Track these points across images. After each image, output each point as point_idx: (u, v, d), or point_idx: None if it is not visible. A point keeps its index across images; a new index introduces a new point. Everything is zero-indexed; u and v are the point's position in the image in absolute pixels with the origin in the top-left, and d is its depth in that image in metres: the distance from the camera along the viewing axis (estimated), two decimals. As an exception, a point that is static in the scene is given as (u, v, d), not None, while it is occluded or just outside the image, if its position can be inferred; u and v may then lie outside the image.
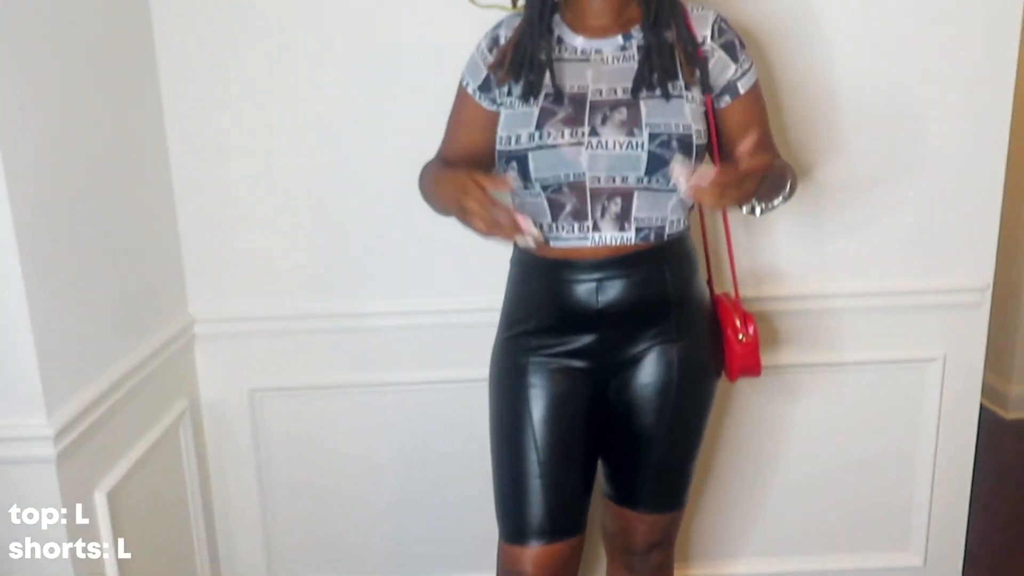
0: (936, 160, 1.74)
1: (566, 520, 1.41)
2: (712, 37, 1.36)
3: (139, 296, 1.59)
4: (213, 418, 1.83)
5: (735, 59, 1.37)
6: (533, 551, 1.38)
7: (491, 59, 1.40)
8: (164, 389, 1.66)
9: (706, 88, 1.36)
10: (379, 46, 1.67)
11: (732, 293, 1.55)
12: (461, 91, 1.46)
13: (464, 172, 1.25)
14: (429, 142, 1.65)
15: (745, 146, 1.17)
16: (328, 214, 1.74)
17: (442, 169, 1.42)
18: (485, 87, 1.42)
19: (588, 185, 1.32)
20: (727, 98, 1.39)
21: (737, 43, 1.38)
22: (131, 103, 1.58)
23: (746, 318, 1.47)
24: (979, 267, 1.81)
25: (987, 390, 1.92)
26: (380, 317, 1.78)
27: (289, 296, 1.78)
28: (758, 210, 1.41)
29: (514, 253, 1.48)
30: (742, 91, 1.39)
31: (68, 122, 1.35)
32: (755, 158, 1.17)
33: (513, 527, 1.41)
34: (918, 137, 1.74)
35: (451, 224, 1.67)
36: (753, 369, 1.49)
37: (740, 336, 1.45)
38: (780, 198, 1.42)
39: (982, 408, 1.95)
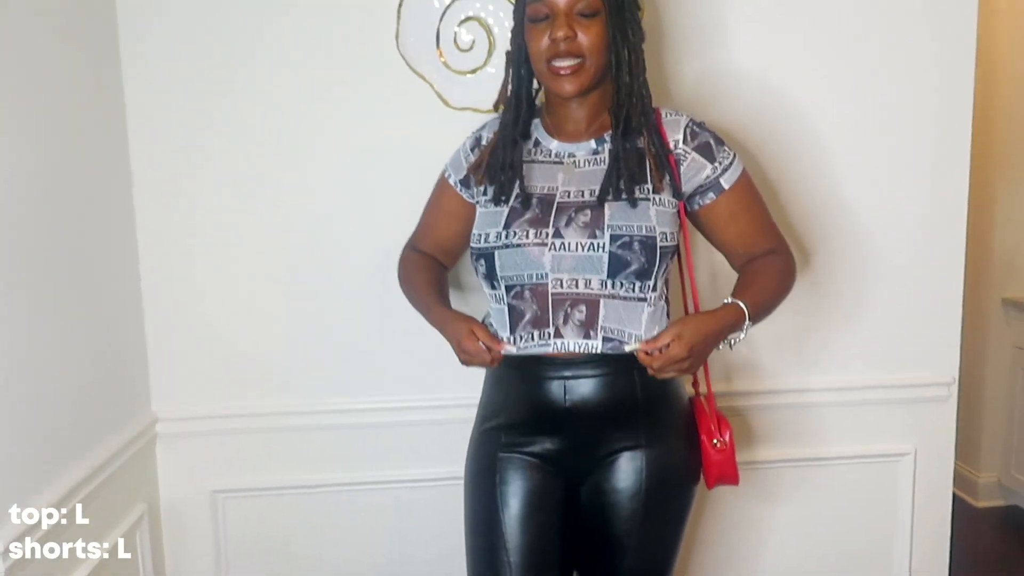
0: (900, 261, 1.79)
1: None
2: (684, 141, 1.38)
3: (101, 394, 1.54)
4: (172, 522, 1.76)
5: (711, 159, 1.38)
6: None
7: (472, 159, 1.44)
8: (123, 493, 1.59)
9: (676, 193, 1.37)
10: (354, 143, 1.69)
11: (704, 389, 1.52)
12: (442, 181, 1.50)
13: (463, 321, 1.35)
14: (400, 240, 1.66)
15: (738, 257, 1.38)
16: (295, 312, 1.73)
17: (426, 284, 1.48)
18: (466, 183, 1.46)
19: (550, 288, 1.32)
20: (711, 195, 1.39)
21: (713, 142, 1.39)
22: (100, 199, 1.56)
23: (721, 422, 1.44)
24: (944, 362, 1.84)
25: (957, 479, 1.92)
26: (347, 415, 1.75)
27: (254, 394, 1.74)
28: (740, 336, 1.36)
29: None
30: (727, 186, 1.40)
31: (33, 215, 1.33)
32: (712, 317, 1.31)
33: None
34: (883, 240, 1.78)
35: (420, 323, 1.67)
36: (730, 477, 1.45)
37: (715, 441, 1.42)
38: (774, 310, 1.42)
39: (953, 497, 1.95)
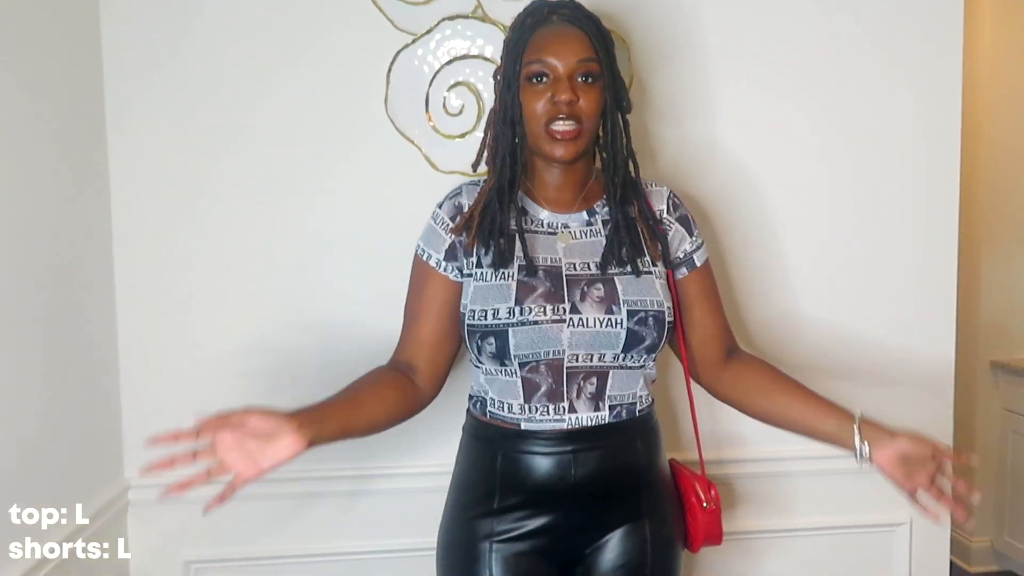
0: (890, 331, 1.78)
1: None
2: (668, 211, 1.39)
3: (72, 460, 1.48)
4: (143, 594, 1.69)
5: (690, 232, 1.39)
6: None
7: (453, 226, 1.35)
8: (89, 567, 1.52)
9: (667, 263, 1.37)
10: (342, 206, 1.67)
11: (685, 459, 1.51)
12: (422, 266, 1.37)
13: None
14: (380, 303, 1.64)
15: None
16: (274, 376, 1.67)
17: (350, 387, 1.29)
18: (451, 256, 1.35)
19: (565, 364, 1.28)
20: (684, 270, 1.40)
21: (690, 217, 1.41)
22: (79, 263, 1.53)
23: (708, 485, 1.42)
24: (937, 431, 1.79)
25: (951, 544, 1.90)
26: (325, 483, 1.69)
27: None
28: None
29: (467, 421, 1.41)
30: (698, 263, 1.40)
31: (6, 277, 1.30)
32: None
33: None
34: (870, 297, 1.78)
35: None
36: (715, 537, 1.42)
37: (705, 504, 1.39)
38: None
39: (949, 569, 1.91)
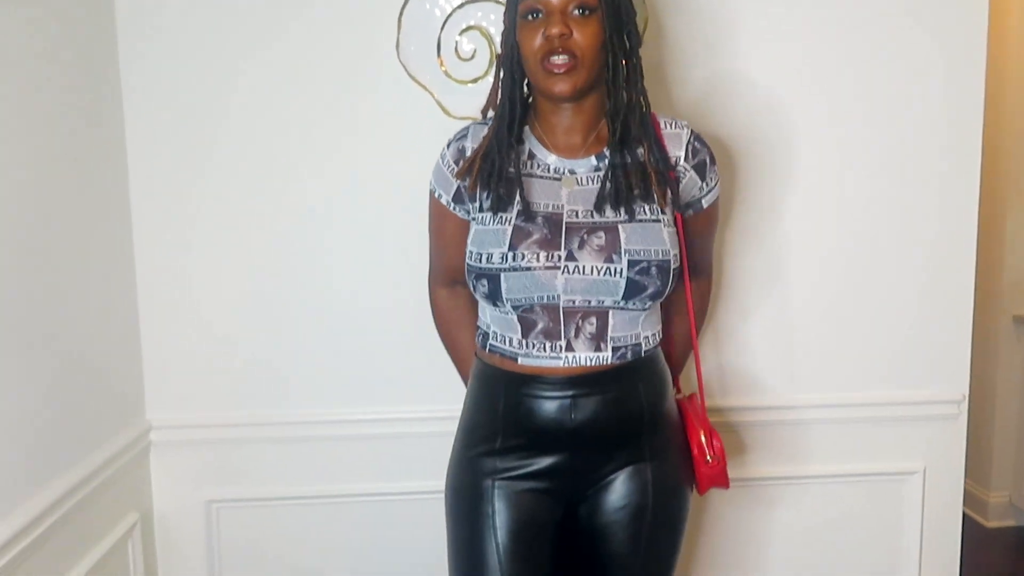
0: (910, 278, 1.77)
1: None
2: (686, 158, 1.35)
3: (95, 401, 1.52)
4: (165, 531, 1.74)
5: (703, 177, 1.37)
6: None
7: (458, 170, 1.36)
8: (114, 501, 1.58)
9: (677, 207, 1.35)
10: (354, 152, 1.67)
11: (698, 398, 1.49)
12: (435, 203, 1.41)
13: None
14: (396, 251, 1.65)
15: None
16: (290, 324, 1.71)
17: (466, 343, 1.46)
18: (458, 199, 1.38)
19: (562, 306, 1.29)
20: (690, 211, 1.39)
21: (708, 161, 1.37)
22: (97, 206, 1.55)
23: (711, 434, 1.41)
24: (954, 379, 1.80)
25: (967, 498, 1.89)
26: (343, 425, 1.73)
27: (250, 404, 1.72)
28: None
29: (475, 366, 1.42)
30: (705, 206, 1.40)
31: (28, 218, 1.32)
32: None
33: None
34: (888, 246, 1.76)
35: (411, 334, 1.65)
36: (722, 484, 1.43)
37: (707, 458, 1.39)
38: None
39: (963, 517, 1.91)
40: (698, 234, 1.43)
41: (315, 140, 1.66)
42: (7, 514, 1.24)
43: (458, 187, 1.37)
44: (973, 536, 2.83)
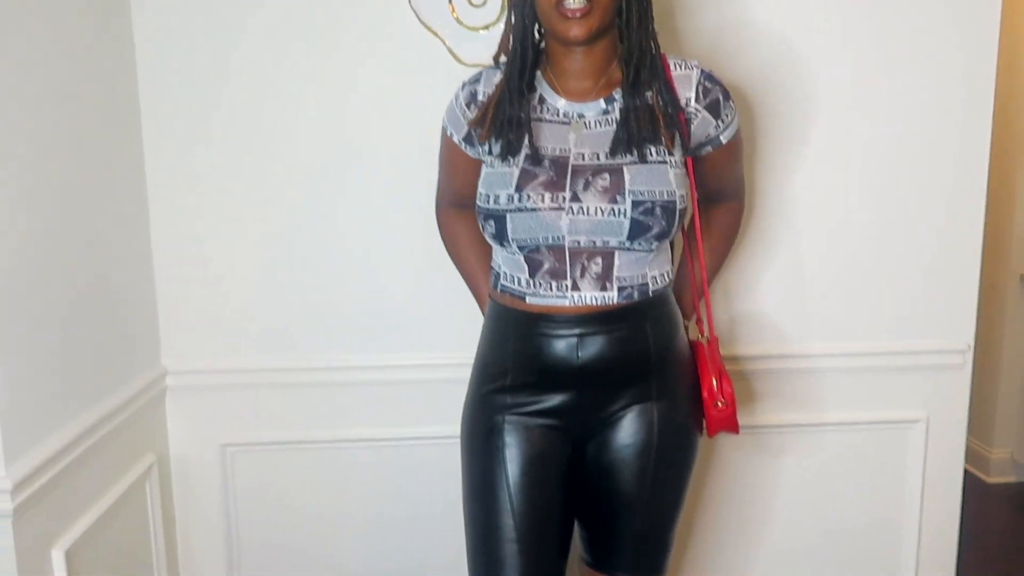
0: (917, 222, 1.77)
1: None
2: (696, 99, 1.35)
3: (111, 346, 1.55)
4: (181, 474, 1.78)
5: (717, 116, 1.36)
6: None
7: (471, 116, 1.38)
8: (132, 442, 1.61)
9: (686, 151, 1.36)
10: (365, 99, 1.67)
11: (716, 343, 1.50)
12: (447, 139, 1.45)
13: None
14: (406, 198, 1.66)
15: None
16: (305, 269, 1.72)
17: (481, 271, 1.50)
18: (469, 141, 1.41)
19: (567, 247, 1.30)
20: (708, 148, 1.39)
21: (721, 98, 1.37)
22: (111, 154, 1.56)
23: (722, 377, 1.43)
24: (960, 328, 1.81)
25: (969, 454, 1.91)
26: (356, 372, 1.75)
27: (264, 349, 1.75)
28: None
29: (489, 306, 1.45)
30: (724, 141, 1.39)
31: (44, 166, 1.33)
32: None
33: None
34: (900, 199, 1.76)
35: (425, 280, 1.67)
36: (731, 429, 1.46)
37: (718, 402, 1.41)
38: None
39: (964, 472, 1.93)
40: (722, 167, 1.43)
41: (327, 87, 1.66)
42: (28, 450, 1.27)
43: (469, 131, 1.39)
44: (974, 491, 2.86)
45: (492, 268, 1.44)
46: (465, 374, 1.47)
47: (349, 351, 1.75)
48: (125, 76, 1.61)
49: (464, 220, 1.51)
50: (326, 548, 1.84)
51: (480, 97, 1.38)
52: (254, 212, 1.70)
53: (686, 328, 1.48)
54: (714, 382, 1.43)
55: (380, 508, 1.83)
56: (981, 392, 2.90)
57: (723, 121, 1.38)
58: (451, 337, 1.69)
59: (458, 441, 1.46)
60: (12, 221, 1.24)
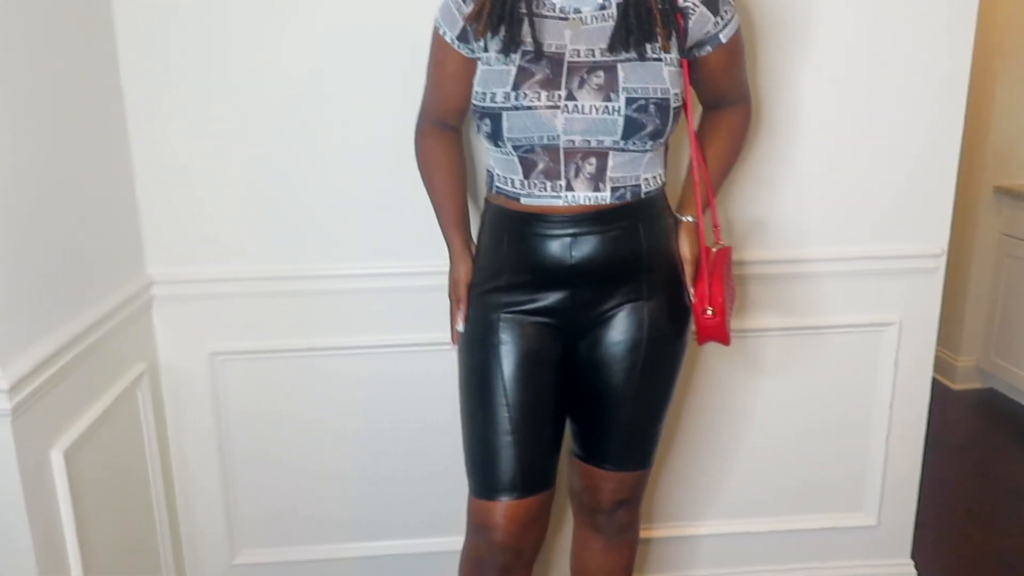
0: (893, 125, 1.78)
1: (536, 476, 1.41)
2: None
3: (96, 254, 1.54)
4: (172, 382, 1.80)
5: (716, 11, 1.35)
6: (503, 505, 1.38)
7: (467, 11, 1.35)
8: (122, 350, 1.62)
9: (683, 51, 1.35)
10: (343, 24, 1.64)
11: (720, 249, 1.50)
12: (439, 40, 1.41)
13: (464, 274, 1.46)
14: (393, 103, 1.64)
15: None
16: (289, 176, 1.71)
17: (449, 196, 1.49)
18: (463, 38, 1.38)
19: (562, 147, 1.31)
20: (708, 48, 1.38)
21: None
22: (87, 62, 1.52)
23: (715, 285, 1.42)
24: (934, 233, 1.85)
25: (937, 363, 1.98)
26: (344, 280, 1.76)
27: (250, 258, 1.75)
28: None
29: (485, 209, 1.47)
30: (723, 40, 1.39)
31: (23, 76, 1.30)
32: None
33: (484, 483, 1.41)
34: (876, 103, 1.76)
35: (417, 188, 1.66)
36: (721, 340, 1.46)
37: (707, 310, 1.41)
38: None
39: (932, 380, 2.00)
40: (723, 69, 1.42)
41: (306, -11, 1.62)
42: (22, 354, 1.28)
43: (464, 27, 1.37)
44: (940, 397, 2.98)
45: (487, 170, 1.44)
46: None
47: (337, 259, 1.76)
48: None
49: (443, 142, 1.50)
50: (317, 453, 1.88)
51: None
52: (238, 119, 1.67)
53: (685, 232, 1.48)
54: (705, 291, 1.43)
55: (370, 415, 1.86)
56: (951, 302, 2.99)
57: (722, 18, 1.36)
58: (441, 244, 1.69)
59: (446, 348, 1.49)
60: (-8, 125, 1.22)
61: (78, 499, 1.41)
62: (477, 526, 1.43)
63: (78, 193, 1.48)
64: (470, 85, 1.39)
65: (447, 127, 1.49)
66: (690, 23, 1.34)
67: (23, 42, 1.31)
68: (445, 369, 1.58)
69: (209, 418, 1.82)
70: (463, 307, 1.45)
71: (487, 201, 1.46)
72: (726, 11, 1.37)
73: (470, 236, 1.51)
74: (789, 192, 1.80)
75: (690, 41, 1.36)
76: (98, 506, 1.50)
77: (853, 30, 1.72)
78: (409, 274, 1.76)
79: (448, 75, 1.42)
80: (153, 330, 1.76)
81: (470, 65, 1.39)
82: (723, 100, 1.50)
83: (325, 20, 1.64)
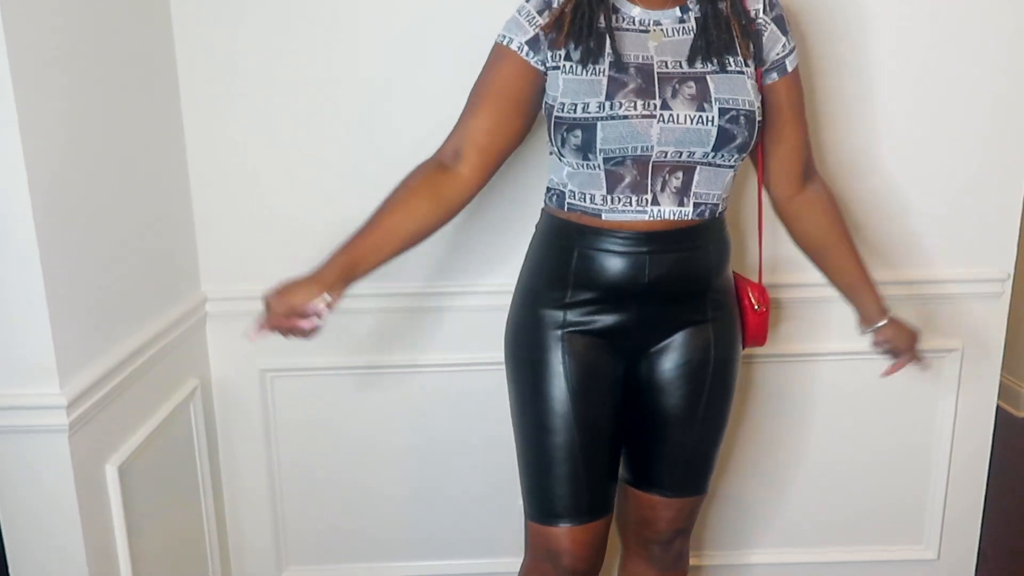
0: (959, 148, 1.73)
1: (602, 499, 1.39)
2: (764, 11, 1.34)
3: (153, 272, 1.57)
4: (223, 398, 1.82)
5: (785, 32, 1.35)
6: (572, 530, 1.36)
7: (542, 21, 1.30)
8: (175, 366, 1.65)
9: (759, 62, 1.34)
10: (409, 9, 1.63)
11: (744, 274, 1.55)
12: (499, 50, 1.33)
13: (304, 297, 1.27)
14: (448, 123, 1.63)
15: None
16: (344, 195, 1.71)
17: (383, 213, 1.33)
18: (533, 46, 1.31)
19: (653, 159, 1.29)
20: (774, 75, 1.37)
21: (785, 18, 1.37)
22: (148, 82, 1.56)
23: (762, 290, 1.48)
24: (1000, 257, 1.79)
25: (1000, 388, 1.90)
26: (395, 299, 1.76)
27: (302, 276, 1.76)
28: None
29: (542, 219, 1.43)
30: (790, 68, 1.37)
31: (87, 97, 1.34)
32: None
33: (546, 507, 1.37)
34: (942, 125, 1.72)
35: (469, 206, 1.65)
36: (760, 338, 1.49)
37: (756, 306, 1.46)
38: None
39: (996, 407, 1.92)
40: (791, 105, 1.39)
41: (370, 8, 1.63)
42: (79, 371, 1.30)
43: (536, 35, 1.31)
44: (1004, 425, 2.85)
45: (549, 188, 1.41)
46: (506, 301, 1.47)
47: (389, 278, 1.75)
48: (159, 6, 1.59)
49: (433, 177, 1.34)
50: (367, 471, 1.88)
51: (554, 4, 1.32)
52: (295, 139, 1.69)
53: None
54: (751, 294, 1.47)
55: (419, 433, 1.86)
56: (1015, 327, 2.88)
57: (789, 43, 1.36)
58: (492, 264, 1.69)
59: (500, 367, 1.46)
60: (57, 149, 1.25)
61: (130, 513, 1.43)
62: (543, 551, 1.39)
63: (136, 211, 1.52)
64: (512, 99, 1.32)
65: (449, 169, 1.35)
66: (764, 38, 1.34)
67: (85, 60, 1.34)
68: (495, 388, 1.56)
69: (259, 434, 1.84)
70: (270, 326, 1.28)
71: (548, 215, 1.42)
72: (791, 38, 1.36)
73: (350, 281, 1.31)
74: (850, 216, 1.75)
75: (764, 57, 1.35)
76: (149, 520, 1.52)
77: (915, 49, 1.68)
78: (460, 293, 1.76)
79: (497, 82, 1.33)
80: (206, 346, 1.79)
81: (526, 74, 1.32)
82: (803, 154, 1.43)
83: (388, 31, 1.64)
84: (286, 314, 1.26)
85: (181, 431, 1.68)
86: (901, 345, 1.52)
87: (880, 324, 1.50)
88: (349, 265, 1.30)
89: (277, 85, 1.66)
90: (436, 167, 1.36)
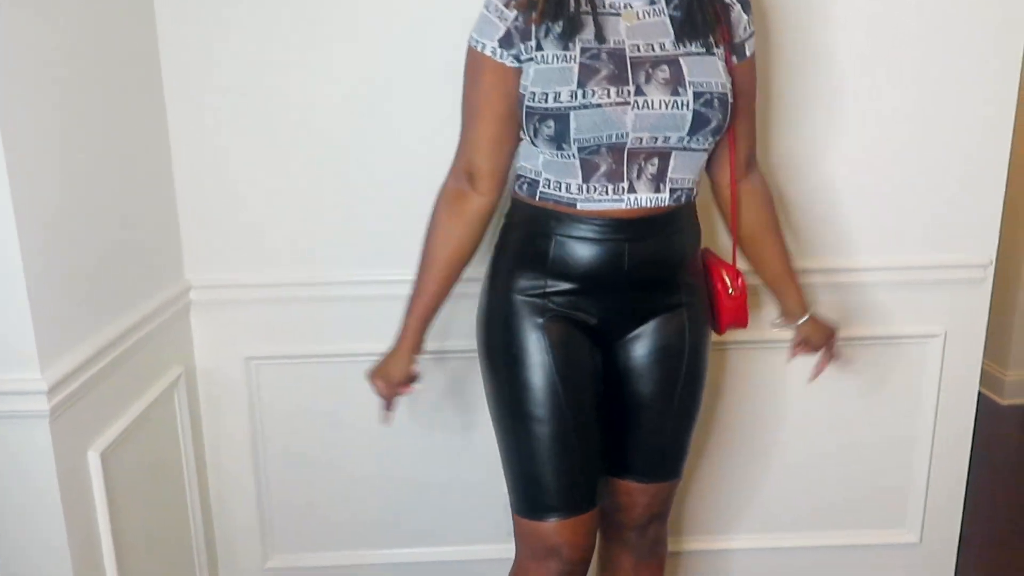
0: (940, 134, 1.73)
1: (592, 489, 1.38)
2: None
3: (136, 260, 1.56)
4: (208, 386, 1.81)
5: (748, 10, 1.35)
6: (564, 523, 1.34)
7: (510, 14, 1.27)
8: (159, 354, 1.64)
9: (730, 45, 1.33)
10: (387, 17, 1.64)
11: (714, 250, 1.54)
12: (475, 59, 1.30)
13: (402, 371, 1.45)
14: (430, 114, 1.64)
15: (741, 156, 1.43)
16: (327, 183, 1.72)
17: (437, 279, 1.41)
18: (506, 43, 1.28)
19: (628, 146, 1.27)
20: (735, 58, 1.36)
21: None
22: (130, 68, 1.55)
23: (736, 273, 1.46)
24: (982, 243, 1.80)
25: (983, 376, 1.91)
26: (380, 286, 1.75)
27: (286, 264, 1.76)
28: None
29: (513, 207, 1.42)
30: (748, 53, 1.37)
31: (68, 84, 1.33)
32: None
33: (540, 501, 1.35)
34: (922, 111, 1.72)
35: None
36: (741, 321, 1.48)
37: (730, 290, 1.45)
38: None
39: (979, 395, 1.94)
40: (744, 91, 1.38)
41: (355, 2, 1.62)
42: (61, 356, 1.30)
43: (507, 30, 1.27)
44: (987, 411, 2.89)
45: (520, 175, 1.39)
46: (475, 289, 1.46)
47: (372, 265, 1.76)
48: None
49: (463, 220, 1.37)
50: (351, 458, 1.88)
51: None
52: (277, 127, 1.68)
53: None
54: (726, 277, 1.46)
55: (405, 421, 1.85)
56: (998, 314, 2.90)
57: (750, 24, 1.35)
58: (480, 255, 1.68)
59: (473, 355, 1.46)
60: (36, 135, 1.24)
61: (114, 500, 1.43)
62: (540, 547, 1.37)
63: (119, 197, 1.51)
64: (504, 106, 1.30)
65: (478, 190, 1.36)
66: (732, 16, 1.33)
67: (69, 48, 1.33)
68: (475, 376, 1.56)
69: (244, 422, 1.84)
70: (392, 406, 1.48)
71: (520, 203, 1.39)
72: (751, 20, 1.36)
73: (427, 330, 1.45)
74: (834, 201, 1.76)
75: (732, 39, 1.34)
76: (133, 508, 1.52)
77: (900, 36, 1.68)
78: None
79: (483, 94, 1.31)
80: (190, 334, 1.78)
81: (507, 78, 1.29)
82: (750, 141, 1.45)
83: (369, 29, 1.64)
84: (394, 390, 1.46)
85: (165, 418, 1.68)
86: (819, 341, 1.57)
87: (802, 320, 1.54)
88: (422, 320, 1.44)
89: (262, 78, 1.65)
90: (456, 196, 1.38)
